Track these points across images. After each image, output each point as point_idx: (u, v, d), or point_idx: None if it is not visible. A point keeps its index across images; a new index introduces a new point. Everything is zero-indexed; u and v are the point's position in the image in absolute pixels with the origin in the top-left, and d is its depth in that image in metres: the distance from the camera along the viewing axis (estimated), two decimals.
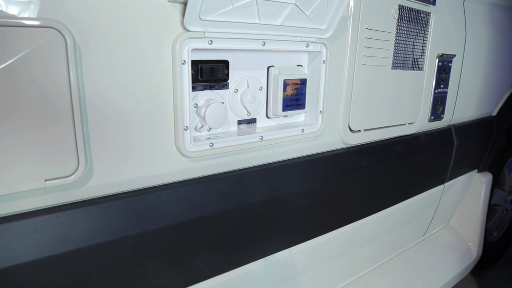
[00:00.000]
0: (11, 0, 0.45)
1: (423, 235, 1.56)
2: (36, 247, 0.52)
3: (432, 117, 1.21)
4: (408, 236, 1.44)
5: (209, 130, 0.70)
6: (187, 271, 0.70)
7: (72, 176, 0.53)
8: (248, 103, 0.73)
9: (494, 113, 1.63)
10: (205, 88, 0.67)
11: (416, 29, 1.03)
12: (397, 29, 0.96)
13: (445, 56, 1.18)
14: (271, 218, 0.80)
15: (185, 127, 0.63)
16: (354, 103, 0.91)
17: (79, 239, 0.55)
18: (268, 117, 0.79)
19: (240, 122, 0.75)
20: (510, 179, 1.97)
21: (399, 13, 0.95)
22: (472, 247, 1.67)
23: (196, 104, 0.67)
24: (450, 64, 1.21)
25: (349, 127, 0.92)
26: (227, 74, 0.69)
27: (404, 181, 1.18)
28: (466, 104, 1.41)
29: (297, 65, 0.80)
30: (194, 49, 0.61)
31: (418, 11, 1.01)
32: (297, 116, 0.84)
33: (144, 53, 0.57)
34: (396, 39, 0.97)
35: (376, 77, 0.95)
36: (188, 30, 0.59)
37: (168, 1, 0.57)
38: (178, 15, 0.59)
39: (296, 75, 0.77)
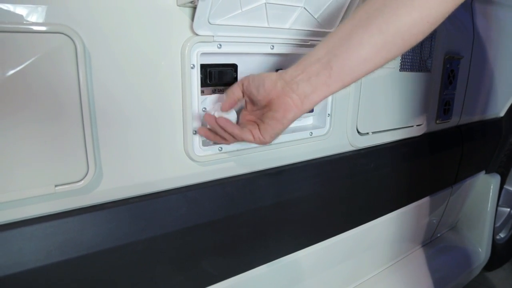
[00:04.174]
0: (21, 6, 0.45)
1: (431, 237, 1.55)
2: (46, 252, 0.52)
3: (440, 119, 1.20)
4: (416, 239, 1.43)
5: None
6: (196, 275, 0.70)
7: (82, 182, 0.53)
8: None
9: (502, 114, 1.61)
10: (213, 92, 0.67)
11: None
12: None
13: (453, 57, 1.17)
14: (280, 222, 0.80)
15: (194, 131, 0.62)
16: (362, 106, 0.91)
17: (88, 244, 0.55)
18: None
19: None
20: None
21: None
22: (480, 249, 1.65)
23: (205, 108, 0.66)
24: (458, 65, 1.20)
25: (357, 130, 0.92)
26: (236, 78, 0.69)
27: (412, 184, 1.17)
28: (474, 105, 1.39)
29: None
30: (203, 53, 0.60)
31: None
32: (306, 119, 0.83)
33: (153, 58, 0.57)
34: None
35: (384, 79, 0.95)
36: (197, 34, 0.59)
37: (177, 5, 0.57)
38: (187, 19, 0.58)
39: None
